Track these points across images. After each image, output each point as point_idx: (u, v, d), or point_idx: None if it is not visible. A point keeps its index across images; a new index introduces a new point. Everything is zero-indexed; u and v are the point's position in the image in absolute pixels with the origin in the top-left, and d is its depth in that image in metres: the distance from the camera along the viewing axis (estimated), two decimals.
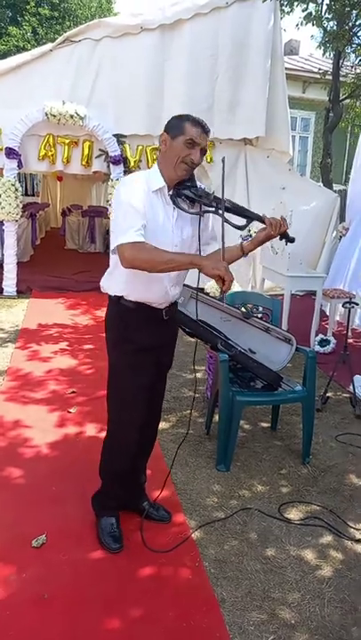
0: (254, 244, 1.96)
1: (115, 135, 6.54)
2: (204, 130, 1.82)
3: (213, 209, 1.88)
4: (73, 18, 19.80)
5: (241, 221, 1.94)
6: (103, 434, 2.98)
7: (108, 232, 10.30)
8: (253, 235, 6.04)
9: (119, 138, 6.57)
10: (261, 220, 1.92)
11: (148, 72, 6.57)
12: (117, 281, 1.96)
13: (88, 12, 20.53)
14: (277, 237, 1.97)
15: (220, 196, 1.84)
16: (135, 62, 6.51)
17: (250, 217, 1.94)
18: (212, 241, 2.06)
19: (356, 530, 2.31)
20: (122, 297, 1.95)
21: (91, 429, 3.11)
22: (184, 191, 1.86)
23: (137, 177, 1.88)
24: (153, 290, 1.92)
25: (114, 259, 1.92)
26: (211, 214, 1.96)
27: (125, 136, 6.61)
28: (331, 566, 2.08)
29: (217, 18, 6.59)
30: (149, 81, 6.58)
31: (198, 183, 1.91)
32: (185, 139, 1.79)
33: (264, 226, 1.91)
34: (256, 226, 1.99)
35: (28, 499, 2.42)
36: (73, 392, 3.63)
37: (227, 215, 1.85)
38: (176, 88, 6.59)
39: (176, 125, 1.82)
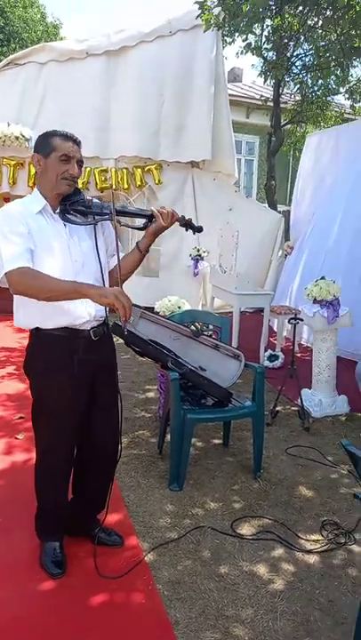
0: (148, 239, 1.92)
1: None
2: (75, 142, 1.82)
3: (107, 216, 1.87)
4: (18, 41, 19.73)
5: (140, 222, 1.95)
6: None
7: None
8: (203, 254, 6.13)
9: None
10: (152, 215, 1.91)
11: (94, 96, 6.68)
12: (27, 312, 1.86)
13: (34, 35, 20.52)
14: (184, 229, 1.97)
15: (110, 204, 1.85)
16: (82, 86, 6.60)
17: (145, 215, 1.93)
18: (120, 252, 2.01)
19: (307, 541, 2.35)
20: (39, 327, 1.87)
21: None
22: (73, 206, 1.85)
23: (14, 204, 1.83)
24: (69, 310, 1.82)
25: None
26: (108, 225, 1.94)
27: None
28: (283, 579, 2.10)
29: (161, 45, 6.81)
30: (96, 105, 6.68)
31: (86, 196, 1.90)
32: (58, 155, 1.77)
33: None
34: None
35: None
36: (21, 418, 3.52)
37: (122, 219, 1.88)
38: (123, 112, 6.72)
39: (46, 144, 1.80)
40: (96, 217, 1.87)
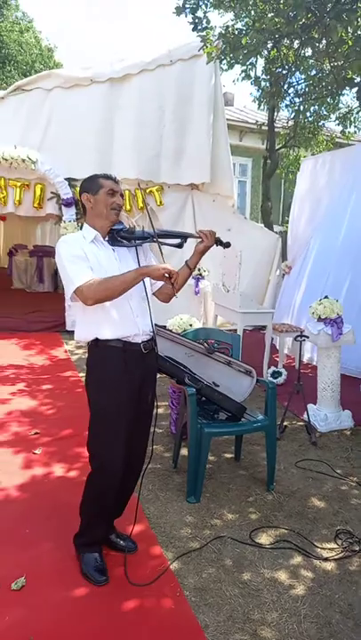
0: (196, 257, 2.20)
1: (66, 179, 6.72)
2: (115, 180, 2.12)
3: (150, 238, 2.11)
4: (13, 63, 20.16)
5: (176, 241, 2.19)
6: (71, 474, 3.04)
7: (56, 272, 10.32)
8: (204, 273, 6.31)
9: (71, 181, 6.76)
10: (195, 235, 2.19)
11: (98, 121, 6.89)
12: (88, 326, 2.08)
13: (29, 57, 20.98)
14: (214, 245, 2.23)
15: (150, 230, 2.10)
16: (86, 111, 6.81)
17: (183, 236, 2.20)
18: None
19: (323, 549, 2.45)
20: (98, 339, 2.06)
21: (58, 470, 3.10)
22: (119, 233, 2.10)
23: (72, 235, 2.12)
24: (122, 323, 2.05)
25: (77, 307, 2.08)
26: (148, 248, 2.22)
27: (77, 180, 6.80)
28: (303, 585, 2.21)
29: (162, 74, 7.08)
30: (100, 129, 6.90)
31: (125, 225, 2.16)
32: (105, 190, 2.07)
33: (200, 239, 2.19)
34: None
35: (2, 542, 2.39)
36: (36, 433, 3.61)
37: (162, 240, 2.13)
38: (125, 136, 6.94)
39: (92, 184, 2.09)
40: (139, 240, 2.10)
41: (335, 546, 2.48)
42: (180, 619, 1.99)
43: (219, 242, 2.24)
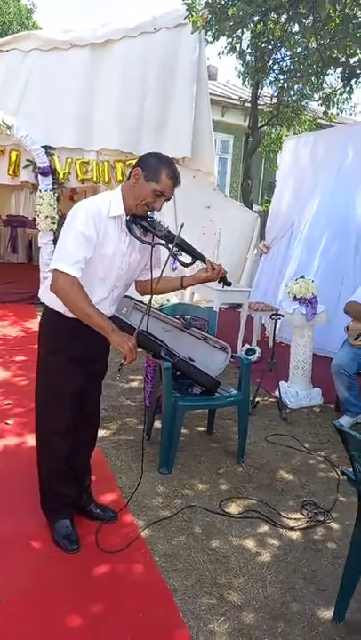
0: (195, 281, 2.14)
1: (43, 147, 6.53)
2: (176, 184, 1.91)
3: (164, 242, 1.99)
4: None
5: (187, 259, 2.11)
6: None
7: (31, 243, 10.12)
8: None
9: (48, 150, 6.57)
10: (204, 260, 2.09)
11: (78, 87, 6.68)
12: (58, 300, 1.96)
13: (6, 17, 20.03)
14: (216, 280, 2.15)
15: (172, 232, 1.98)
16: (65, 77, 6.59)
17: (195, 256, 2.10)
18: (156, 268, 2.10)
19: (289, 519, 2.54)
20: (61, 314, 2.00)
21: (31, 440, 3.08)
22: (141, 221, 1.94)
23: (97, 204, 1.90)
24: (101, 309, 1.97)
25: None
26: (160, 246, 2.05)
27: (54, 148, 6.63)
28: (269, 552, 2.29)
29: (145, 42, 6.88)
30: (80, 96, 6.69)
31: (155, 214, 1.99)
32: (156, 189, 1.86)
33: (204, 266, 2.09)
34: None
35: None
36: (9, 404, 3.59)
37: (176, 252, 2.00)
38: (107, 105, 6.76)
39: (154, 170, 1.87)
40: (155, 238, 1.97)
41: (301, 516, 2.57)
42: (150, 583, 2.04)
43: (223, 280, 2.16)
